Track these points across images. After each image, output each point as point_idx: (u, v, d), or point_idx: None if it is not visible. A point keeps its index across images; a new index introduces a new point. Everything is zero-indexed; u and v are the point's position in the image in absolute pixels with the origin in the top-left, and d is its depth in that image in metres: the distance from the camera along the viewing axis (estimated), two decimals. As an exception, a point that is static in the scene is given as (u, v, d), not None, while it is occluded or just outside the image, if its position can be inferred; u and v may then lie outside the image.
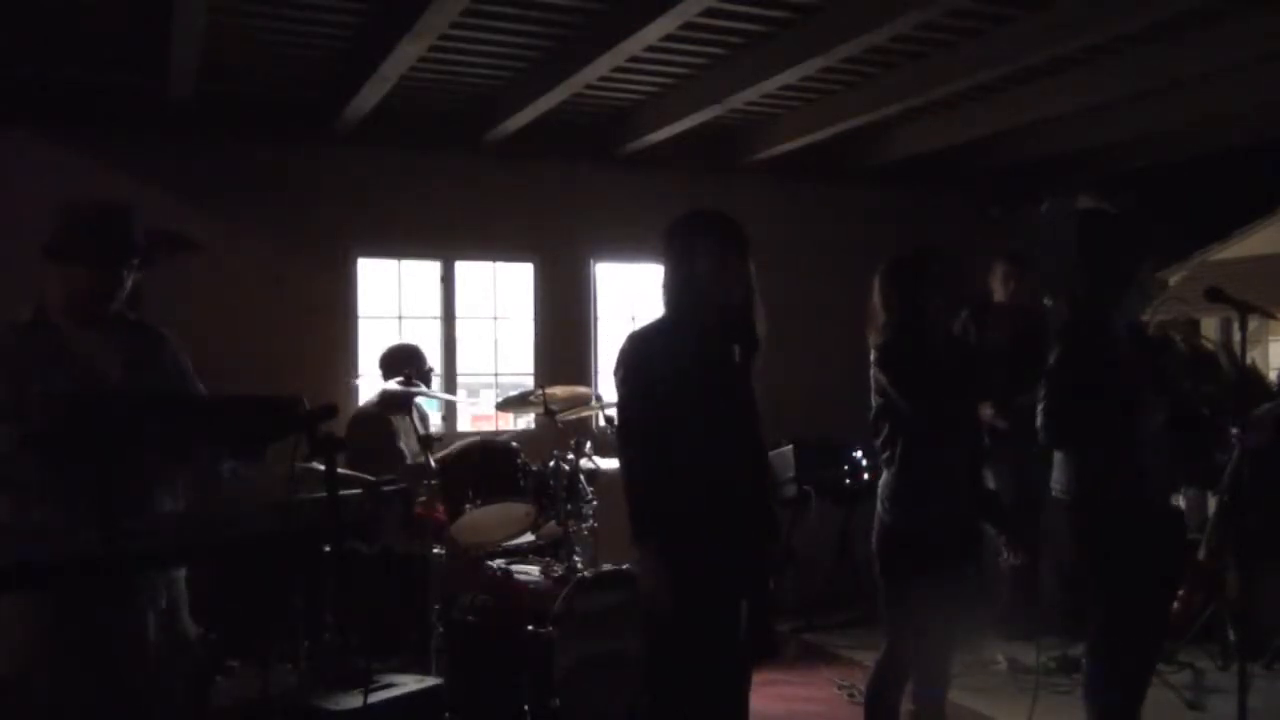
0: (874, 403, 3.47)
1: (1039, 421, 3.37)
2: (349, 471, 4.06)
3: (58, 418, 2.48)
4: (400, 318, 6.44)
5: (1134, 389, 3.38)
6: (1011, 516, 3.55)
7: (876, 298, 3.48)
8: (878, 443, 3.47)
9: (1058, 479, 3.52)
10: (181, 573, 2.74)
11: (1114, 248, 3.53)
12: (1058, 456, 3.52)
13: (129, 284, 2.73)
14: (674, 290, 2.95)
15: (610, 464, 3.88)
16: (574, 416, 5.08)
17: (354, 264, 6.23)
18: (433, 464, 4.40)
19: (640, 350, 2.94)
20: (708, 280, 2.89)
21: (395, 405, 4.86)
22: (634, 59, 4.98)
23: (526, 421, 6.53)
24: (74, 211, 2.69)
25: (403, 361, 5.00)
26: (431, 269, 6.50)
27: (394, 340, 5.55)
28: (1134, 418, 3.38)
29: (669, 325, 2.96)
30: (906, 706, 3.54)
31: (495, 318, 6.71)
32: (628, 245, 6.67)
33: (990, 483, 4.61)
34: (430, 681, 3.68)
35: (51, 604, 2.45)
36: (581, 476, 4.46)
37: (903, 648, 3.43)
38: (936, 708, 3.52)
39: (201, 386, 2.89)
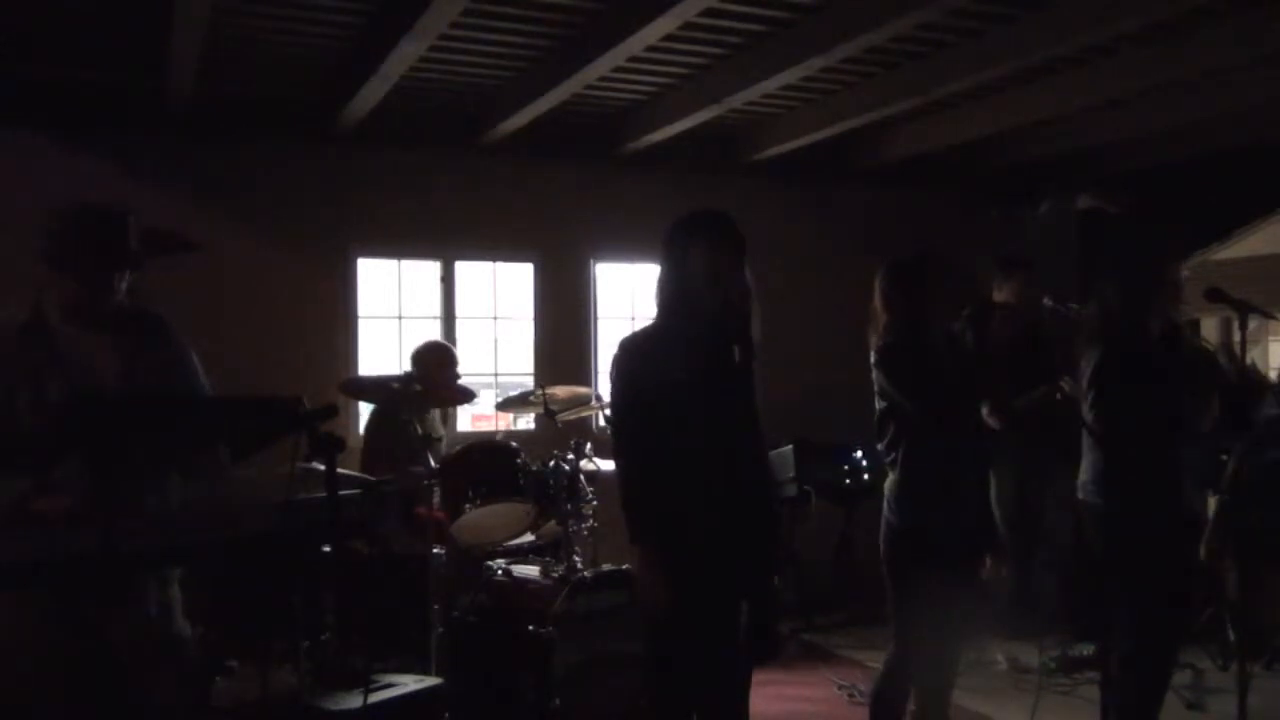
0: (877, 405, 3.47)
1: (1088, 423, 3.41)
2: (349, 471, 4.06)
3: (54, 422, 2.48)
4: (400, 318, 6.44)
5: (1173, 393, 3.43)
6: (999, 531, 3.60)
7: (878, 299, 3.48)
8: (882, 445, 3.47)
9: (1089, 483, 3.55)
10: (175, 574, 2.74)
11: (1145, 250, 3.60)
12: (1090, 461, 3.56)
13: (124, 288, 2.72)
14: (668, 292, 2.93)
15: (611, 465, 3.88)
16: (574, 416, 5.08)
17: (354, 264, 6.23)
18: (433, 464, 4.40)
19: (632, 355, 2.92)
20: (703, 281, 2.87)
21: (406, 402, 4.84)
22: (634, 59, 4.98)
23: (526, 421, 6.53)
24: (67, 218, 2.66)
25: (420, 360, 5.02)
26: (431, 269, 6.50)
27: (430, 337, 5.59)
28: (1173, 423, 3.43)
29: (662, 328, 2.95)
30: (909, 706, 3.54)
31: (495, 318, 6.71)
32: (628, 245, 6.67)
33: (990, 483, 4.62)
34: (430, 681, 3.68)
35: (46, 604, 2.44)
36: (581, 477, 4.46)
37: (911, 648, 3.43)
38: (940, 708, 3.52)
39: (202, 373, 2.87)
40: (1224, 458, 4.59)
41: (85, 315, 2.67)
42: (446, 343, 5.62)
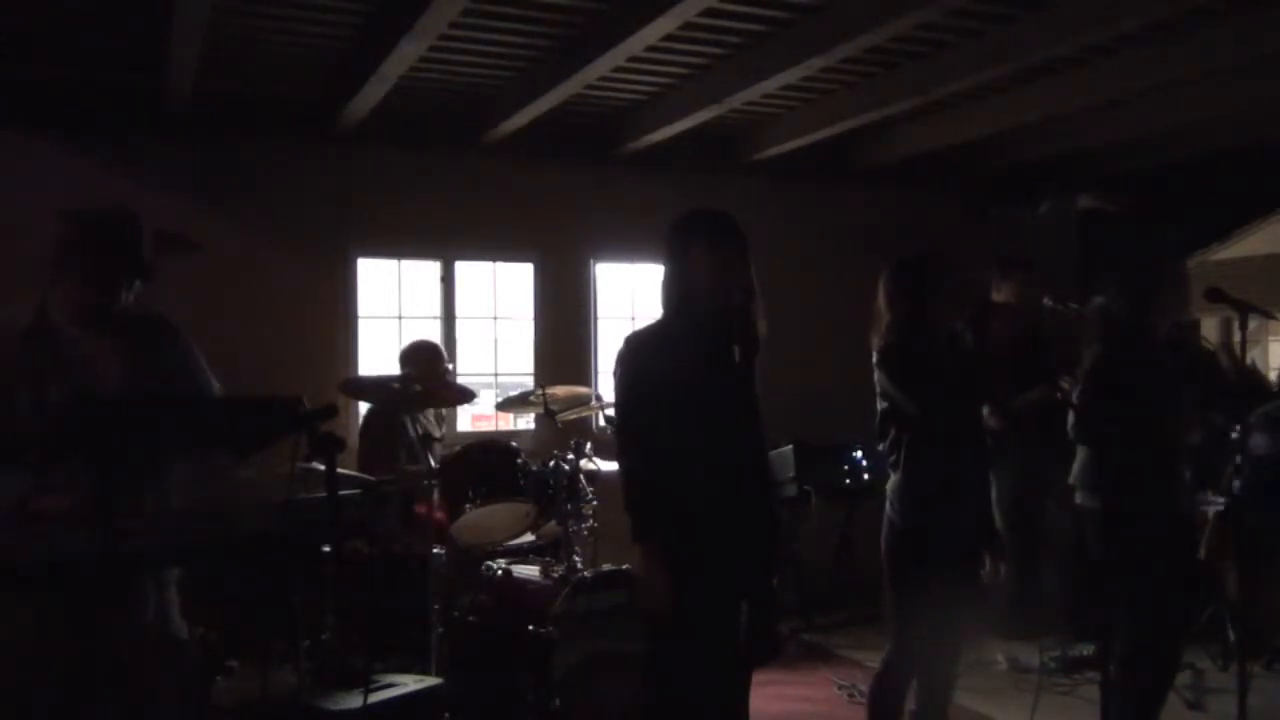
0: (879, 405, 3.47)
1: (1070, 419, 3.41)
2: (349, 471, 4.06)
3: (54, 422, 2.48)
4: (400, 318, 6.44)
5: (1172, 394, 3.43)
6: (999, 534, 3.60)
7: (880, 299, 3.48)
8: (884, 445, 3.47)
9: (1085, 484, 3.54)
10: (173, 575, 2.74)
11: (1152, 249, 3.60)
12: (1086, 462, 3.56)
13: (132, 294, 2.72)
14: (672, 291, 2.95)
15: (610, 464, 3.89)
16: (574, 416, 5.08)
17: (354, 264, 6.23)
18: (433, 464, 4.40)
19: (638, 352, 2.93)
20: (706, 280, 2.88)
21: (405, 402, 4.84)
22: (634, 59, 4.98)
23: (526, 421, 6.53)
24: (79, 222, 2.67)
25: (409, 360, 5.01)
26: (431, 269, 6.50)
27: (416, 337, 5.55)
28: (1171, 423, 3.43)
29: (667, 326, 2.96)
30: (909, 707, 3.54)
31: (495, 318, 6.71)
32: (628, 245, 6.67)
33: (990, 484, 4.61)
34: (430, 681, 3.68)
35: (45, 604, 2.44)
36: (581, 477, 4.46)
37: (910, 648, 3.43)
38: (940, 708, 3.52)
39: (213, 377, 2.87)
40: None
41: (90, 318, 2.67)
42: (432, 340, 5.60)
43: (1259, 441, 4.81)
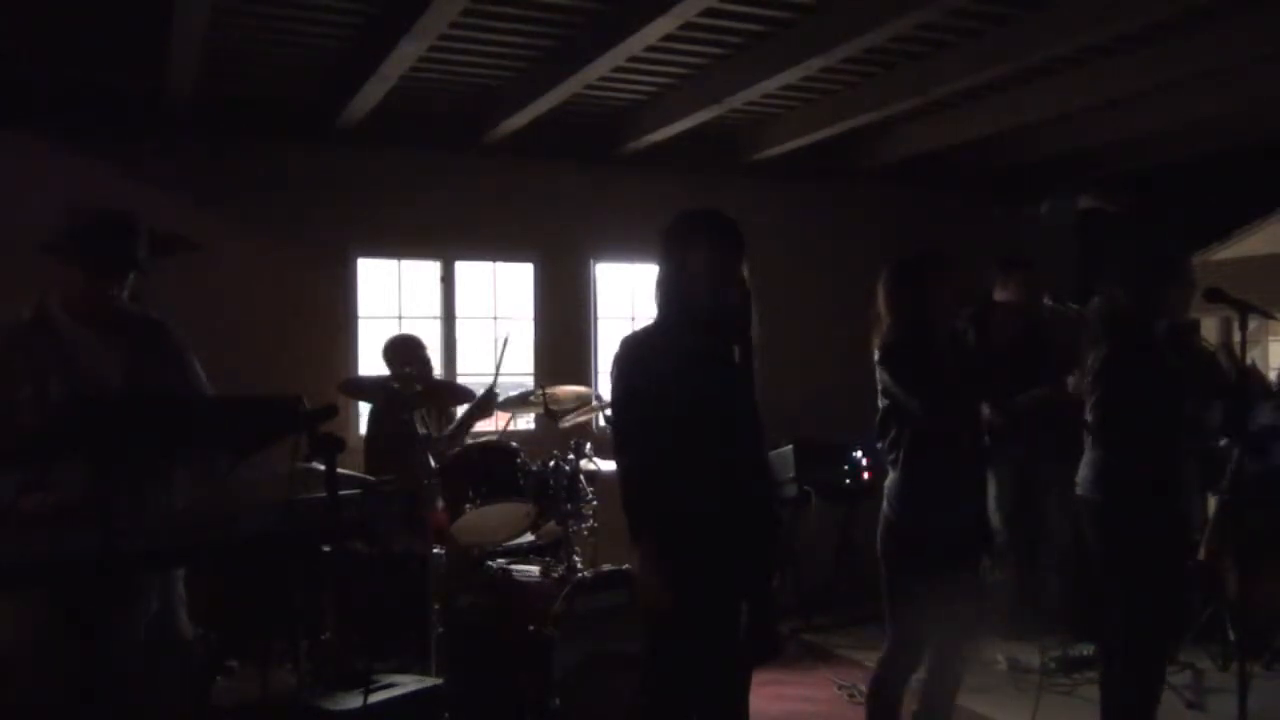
0: (880, 404, 3.48)
1: (1090, 420, 3.41)
2: (349, 471, 4.05)
3: (56, 420, 2.49)
4: (400, 318, 6.44)
5: (1174, 393, 3.44)
6: (994, 533, 3.61)
7: (881, 299, 3.49)
8: (884, 444, 3.47)
9: (1087, 479, 3.55)
10: (180, 574, 2.74)
11: (1156, 248, 3.61)
12: (1089, 457, 3.57)
13: (126, 290, 2.74)
14: (668, 291, 2.94)
15: (610, 465, 3.89)
16: (575, 418, 5.08)
17: (354, 264, 6.23)
18: (432, 463, 4.40)
19: (634, 353, 2.92)
20: (702, 280, 2.87)
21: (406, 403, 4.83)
22: (634, 59, 4.98)
23: (527, 421, 6.53)
24: (80, 215, 2.69)
25: (405, 353, 5.01)
26: (431, 269, 6.50)
27: (393, 332, 5.53)
28: (1175, 423, 3.43)
29: (663, 327, 2.95)
30: (910, 707, 3.54)
31: (495, 318, 6.71)
32: (628, 245, 6.67)
33: (990, 483, 4.62)
34: (430, 681, 3.68)
35: (48, 604, 2.45)
36: (581, 477, 4.46)
37: (906, 647, 3.43)
38: (945, 708, 3.52)
39: (205, 379, 2.89)
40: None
41: (89, 315, 2.69)
42: (410, 334, 5.53)
43: (1267, 415, 4.81)
